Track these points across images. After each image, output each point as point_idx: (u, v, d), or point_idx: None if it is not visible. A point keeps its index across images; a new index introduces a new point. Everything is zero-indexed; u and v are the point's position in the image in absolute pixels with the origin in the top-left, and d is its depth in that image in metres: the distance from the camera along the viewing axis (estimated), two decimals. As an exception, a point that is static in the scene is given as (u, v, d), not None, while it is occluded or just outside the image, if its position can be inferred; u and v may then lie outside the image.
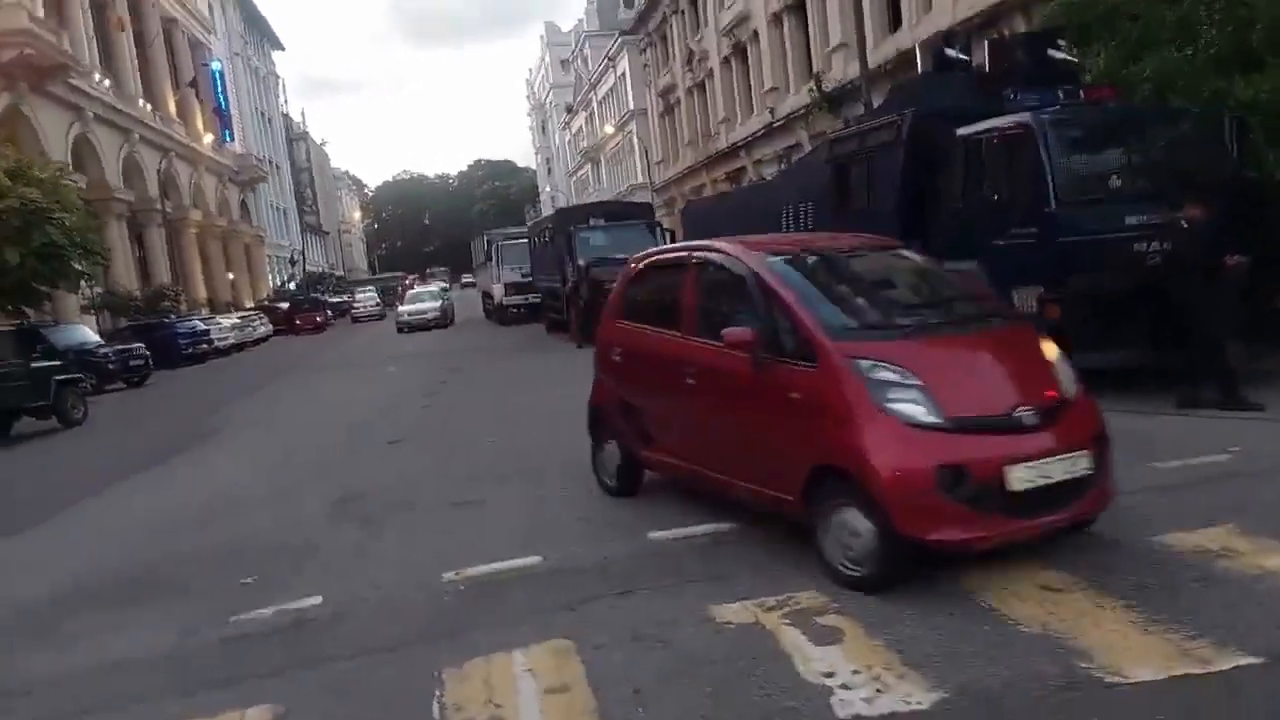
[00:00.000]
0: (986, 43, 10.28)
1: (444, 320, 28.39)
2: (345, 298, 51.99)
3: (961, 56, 10.02)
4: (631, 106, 48.38)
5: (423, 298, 31.31)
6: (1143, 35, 9.42)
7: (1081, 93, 8.63)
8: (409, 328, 28.10)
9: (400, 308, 30.47)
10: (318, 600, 4.67)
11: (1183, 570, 3.93)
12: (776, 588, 4.12)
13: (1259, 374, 7.47)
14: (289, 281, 57.08)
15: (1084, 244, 7.59)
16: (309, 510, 6.65)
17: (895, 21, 20.61)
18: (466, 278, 68.46)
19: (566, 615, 4.08)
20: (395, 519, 6.12)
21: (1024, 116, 8.02)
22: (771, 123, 27.19)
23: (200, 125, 43.29)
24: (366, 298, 46.10)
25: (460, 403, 11.61)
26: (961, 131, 8.70)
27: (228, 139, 47.10)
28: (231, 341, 28.84)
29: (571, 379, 13.49)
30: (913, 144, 9.24)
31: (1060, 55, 9.11)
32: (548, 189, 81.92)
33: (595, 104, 59.94)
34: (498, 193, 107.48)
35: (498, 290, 27.10)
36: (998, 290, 8.01)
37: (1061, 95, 8.54)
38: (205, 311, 36.01)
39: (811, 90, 23.05)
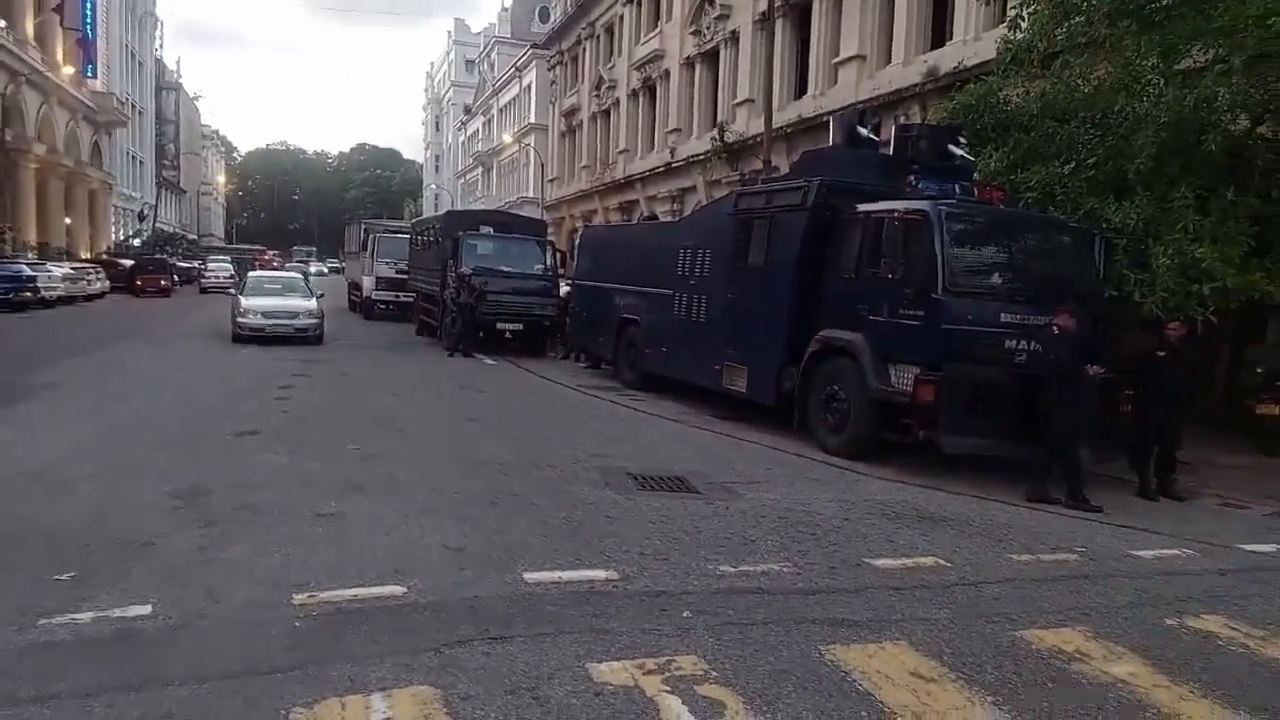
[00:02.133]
0: (894, 127, 10.77)
1: (315, 332, 17.10)
2: (196, 264, 48.72)
3: (871, 136, 10.43)
4: (533, 120, 48.06)
5: (284, 289, 18.61)
6: (1032, 146, 10.14)
7: (975, 190, 9.14)
8: (250, 339, 16.68)
9: (243, 300, 17.37)
10: (147, 610, 4.16)
11: (1042, 668, 4.09)
12: (657, 647, 3.99)
13: (1102, 478, 8.08)
14: (134, 237, 53.11)
15: (963, 333, 8.00)
16: (143, 500, 6.02)
17: (802, 87, 21.47)
18: (332, 262, 65.89)
19: (432, 658, 3.79)
20: (243, 523, 5.60)
21: (924, 204, 8.42)
22: (670, 162, 27.64)
23: (60, 55, 39.80)
24: (219, 268, 43.28)
25: (320, 399, 10.95)
26: (863, 207, 9.07)
27: (89, 74, 43.50)
28: (60, 293, 26.29)
29: (441, 386, 13.36)
30: (816, 211, 9.53)
31: (959, 151, 9.62)
32: (433, 186, 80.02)
33: (496, 110, 59.17)
34: (378, 181, 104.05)
35: (368, 283, 26.04)
36: (877, 364, 8.43)
37: (958, 190, 9.02)
38: (33, 256, 32.83)
39: (714, 138, 23.61)
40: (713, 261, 11.29)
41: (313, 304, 17.66)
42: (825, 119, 17.43)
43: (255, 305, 17.24)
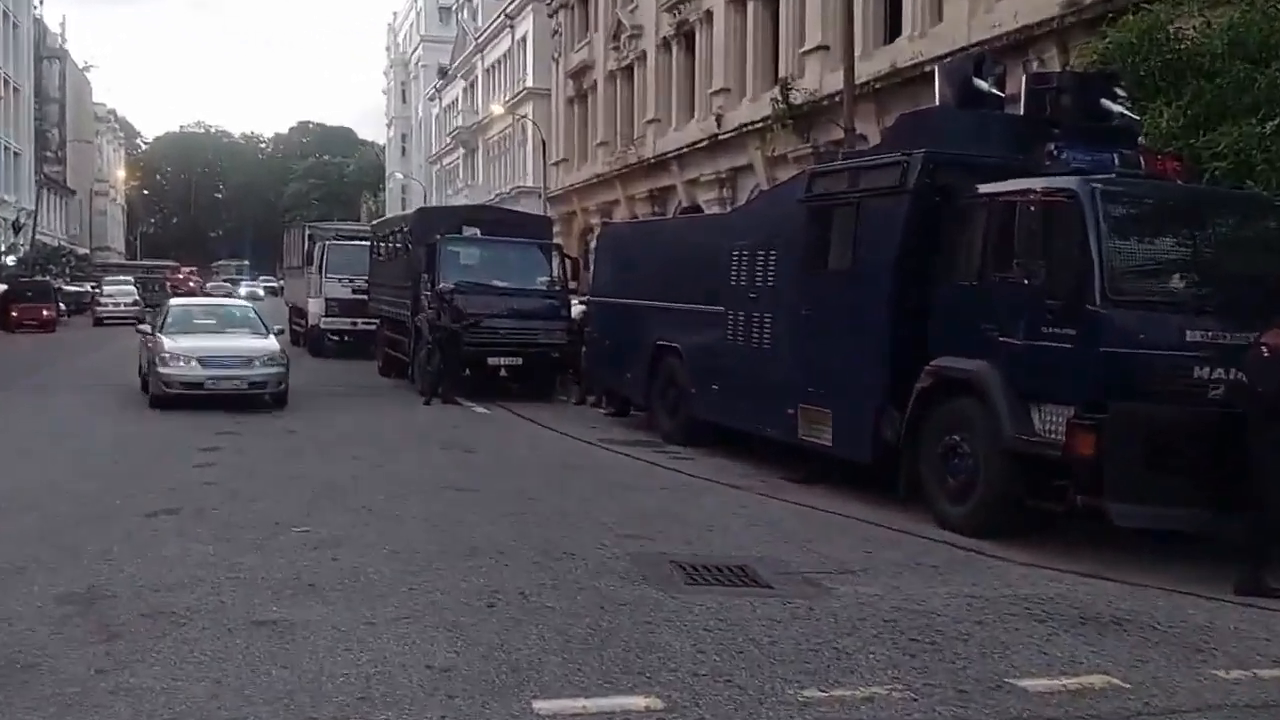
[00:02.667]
0: (1025, 77, 10.73)
1: (278, 386, 15.81)
2: (89, 288, 49.90)
3: (993, 90, 10.40)
4: (530, 83, 48.79)
5: (225, 324, 17.40)
6: (1218, 98, 10.04)
7: (1142, 160, 9.05)
8: (180, 400, 15.20)
9: (166, 342, 15.66)
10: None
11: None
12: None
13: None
14: (7, 254, 54.37)
15: (1133, 359, 7.88)
16: (24, 608, 6.06)
17: (894, 27, 21.54)
18: (269, 280, 66.93)
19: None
20: (157, 637, 5.61)
21: (1070, 181, 8.36)
22: (717, 134, 27.82)
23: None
24: (120, 291, 44.37)
25: (255, 465, 11.06)
26: (986, 188, 9.05)
27: (-53, 40, 45.01)
28: (-94, 330, 27.03)
29: (417, 444, 13.43)
30: (921, 195, 9.50)
31: (1118, 108, 9.56)
32: (399, 175, 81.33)
33: (480, 72, 60.24)
34: (327, 170, 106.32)
35: (315, 307, 26.49)
36: (1013, 405, 8.32)
37: (1117, 160, 8.94)
38: None
39: (775, 100, 23.71)
40: (779, 266, 11.33)
41: (271, 344, 16.32)
42: (928, 69, 17.36)
43: (187, 348, 15.47)
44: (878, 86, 20.21)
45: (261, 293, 57.81)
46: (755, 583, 7.10)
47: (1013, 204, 8.58)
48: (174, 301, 20.11)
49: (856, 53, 18.62)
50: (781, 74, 24.65)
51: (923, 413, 9.19)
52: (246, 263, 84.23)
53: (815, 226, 10.69)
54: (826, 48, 22.71)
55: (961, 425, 8.88)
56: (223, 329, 17.02)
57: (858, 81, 18.36)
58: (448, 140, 68.11)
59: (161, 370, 15.35)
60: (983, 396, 8.60)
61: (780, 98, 23.39)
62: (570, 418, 16.00)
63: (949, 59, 14.10)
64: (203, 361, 15.36)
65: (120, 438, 12.98)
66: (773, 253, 11.46)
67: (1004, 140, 9.75)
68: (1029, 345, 8.34)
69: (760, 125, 24.83)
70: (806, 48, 23.93)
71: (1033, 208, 8.35)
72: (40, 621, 5.86)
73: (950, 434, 8.95)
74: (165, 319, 16.95)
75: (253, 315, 18.00)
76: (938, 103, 11.19)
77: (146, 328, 17.54)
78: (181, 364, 15.34)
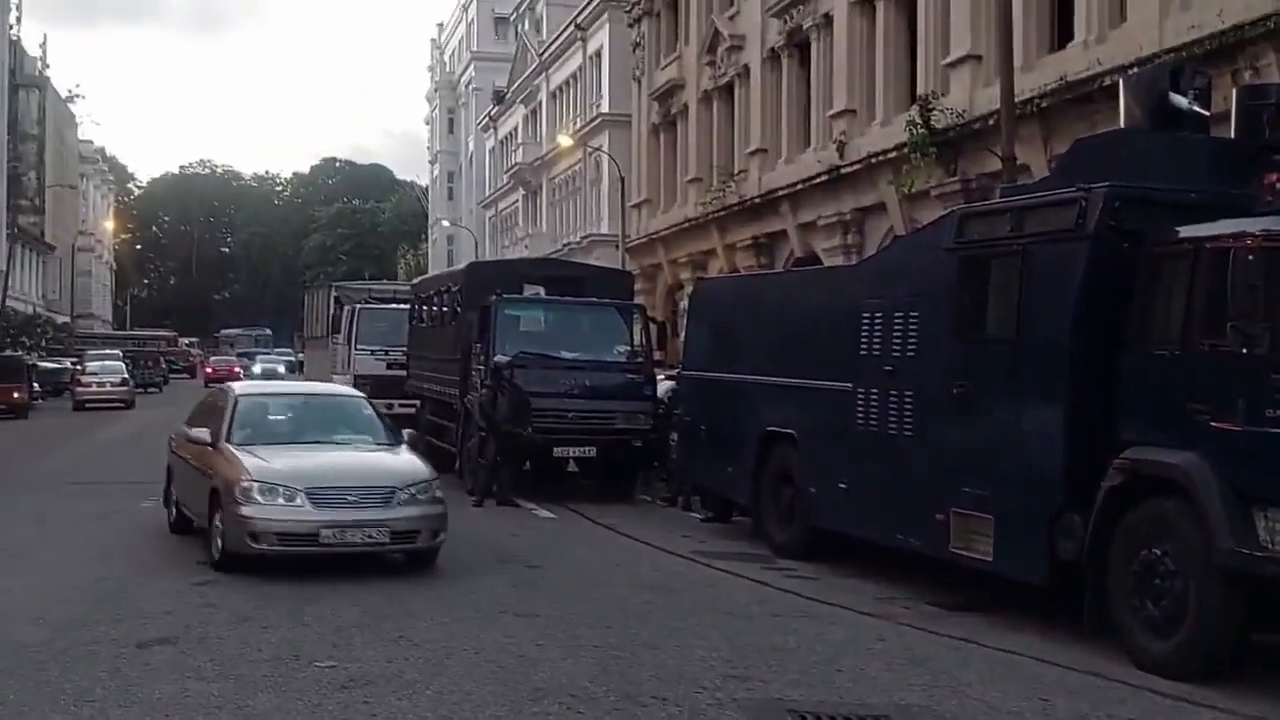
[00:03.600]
0: (1235, 91, 10.62)
1: (432, 541, 12.20)
2: (69, 364, 51.52)
3: (1196, 108, 10.35)
4: (605, 108, 49.58)
5: (325, 424, 13.84)
6: None
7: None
8: (282, 559, 11.75)
9: (247, 461, 12.18)
10: None
11: None
12: None
13: None
14: (-28, 323, 56.29)
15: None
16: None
17: (1064, 31, 21.49)
18: (286, 354, 68.07)
19: None
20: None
21: (1304, 223, 8.27)
22: (838, 166, 27.89)
23: None
24: (105, 369, 45.73)
25: (265, 583, 11.15)
26: (1187, 231, 9.00)
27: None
28: None
29: (468, 557, 13.36)
30: (1104, 240, 9.49)
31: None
32: (445, 222, 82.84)
33: (544, 95, 61.46)
34: (357, 217, 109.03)
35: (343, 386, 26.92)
36: (1231, 509, 8.13)
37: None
38: None
39: (913, 123, 23.75)
40: (922, 331, 11.32)
41: (412, 463, 12.95)
42: (1109, 82, 17.32)
43: (283, 473, 11.82)
44: (1043, 105, 20.11)
45: (283, 369, 58.54)
46: (899, 739, 7.00)
47: (1225, 251, 8.51)
48: (239, 389, 14.91)
49: (1016, 63, 18.58)
50: (920, 91, 24.67)
51: (1112, 519, 9.05)
52: (269, 331, 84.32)
53: (968, 281, 10.68)
54: (978, 58, 22.73)
55: (1163, 535, 8.72)
56: (326, 435, 13.37)
57: (1018, 99, 18.32)
58: (504, 179, 69.34)
59: (243, 512, 11.44)
60: (1191, 498, 8.46)
61: (919, 120, 23.41)
62: (657, 524, 15.96)
63: (1136, 70, 14.06)
64: (314, 497, 11.57)
65: (105, 549, 13.20)
66: (913, 314, 11.42)
67: (1210, 170, 9.73)
68: (1250, 432, 8.19)
69: (894, 155, 24.84)
70: (952, 58, 23.95)
71: (1251, 255, 8.28)
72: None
73: (1148, 547, 8.81)
74: (230, 418, 12.95)
75: (365, 409, 14.27)
76: (1123, 124, 11.15)
77: (204, 434, 12.84)
78: (280, 501, 11.48)
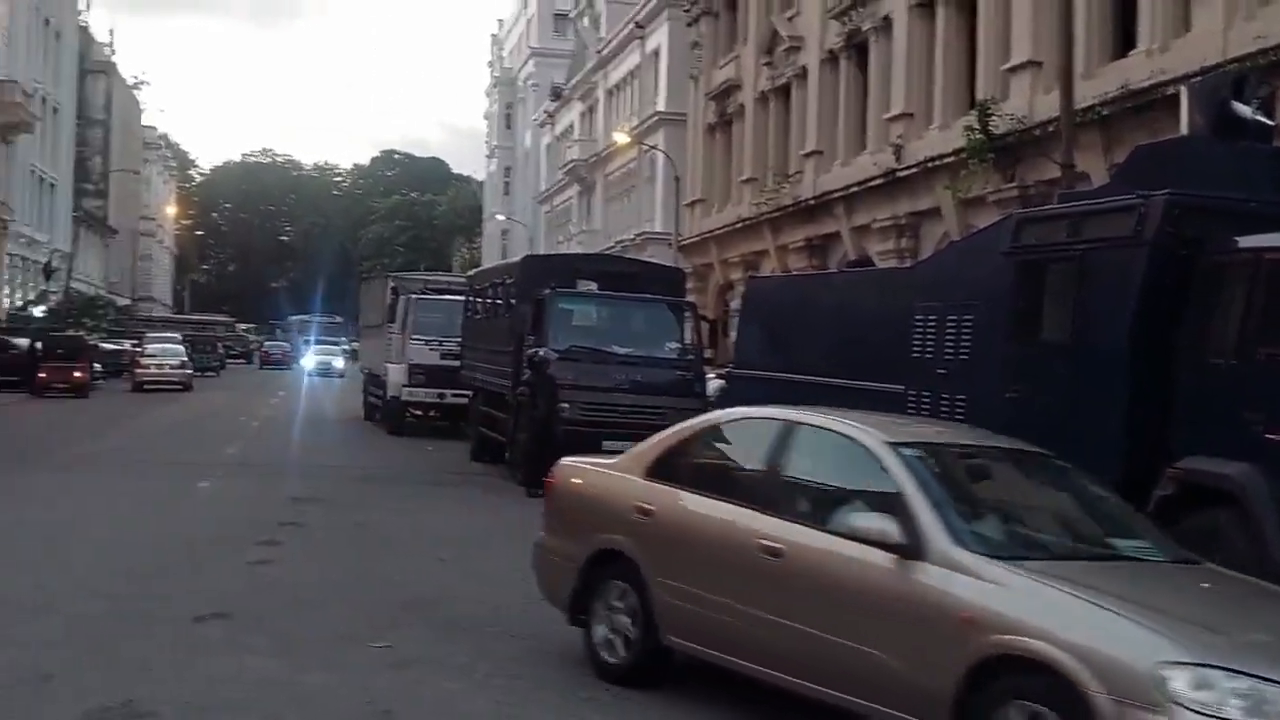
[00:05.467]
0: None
1: None
2: (129, 345, 52.19)
3: (1259, 117, 10.28)
4: (662, 107, 49.68)
5: None
6: None
7: None
8: None
9: None
10: None
11: None
12: None
13: None
14: (37, 303, 57.03)
15: None
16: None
17: (1126, 38, 21.30)
18: (337, 343, 67.24)
19: None
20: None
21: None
22: (894, 170, 27.79)
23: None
24: (165, 351, 46.29)
25: (320, 564, 11.35)
26: (1249, 242, 8.92)
27: (-18, 53, 47.77)
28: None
29: (515, 547, 13.14)
30: (1163, 248, 9.40)
31: None
32: (499, 217, 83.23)
33: (602, 92, 61.64)
34: (415, 209, 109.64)
35: (395, 375, 27.14)
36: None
37: None
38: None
39: (971, 128, 23.63)
40: (976, 335, 11.28)
41: None
42: (1172, 90, 17.18)
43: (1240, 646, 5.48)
44: (1104, 112, 19.96)
45: (339, 363, 57.97)
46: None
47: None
48: (877, 431, 7.14)
49: (1077, 70, 18.47)
50: (979, 96, 24.57)
51: (1165, 528, 8.94)
52: (339, 318, 78.30)
53: (1024, 286, 10.63)
54: (1038, 64, 22.57)
55: (1216, 546, 8.50)
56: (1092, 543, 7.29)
57: (1078, 105, 18.21)
58: (560, 175, 69.63)
59: None
60: (1245, 510, 8.37)
61: (977, 126, 23.30)
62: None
63: (1199, 78, 13.92)
64: None
65: (162, 527, 13.41)
66: (967, 318, 11.39)
67: (1271, 180, 9.65)
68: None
69: (951, 160, 24.76)
70: (1012, 64, 23.84)
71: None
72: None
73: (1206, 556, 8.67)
74: (929, 496, 6.42)
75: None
76: (1185, 132, 11.08)
77: (879, 527, 6.18)
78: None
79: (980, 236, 13.22)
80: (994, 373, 10.86)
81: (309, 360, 60.59)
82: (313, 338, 70.40)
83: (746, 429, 8.04)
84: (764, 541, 6.63)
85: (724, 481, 7.60)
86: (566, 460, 8.83)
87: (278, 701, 6.91)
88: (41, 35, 60.27)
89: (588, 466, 8.86)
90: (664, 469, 7.77)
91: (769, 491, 7.06)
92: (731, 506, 7.10)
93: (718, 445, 8.20)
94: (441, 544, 12.98)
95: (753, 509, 6.91)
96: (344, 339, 69.23)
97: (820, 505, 6.96)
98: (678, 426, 8.46)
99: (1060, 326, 10.24)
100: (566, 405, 17.34)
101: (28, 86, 54.02)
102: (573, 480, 8.61)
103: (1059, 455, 7.94)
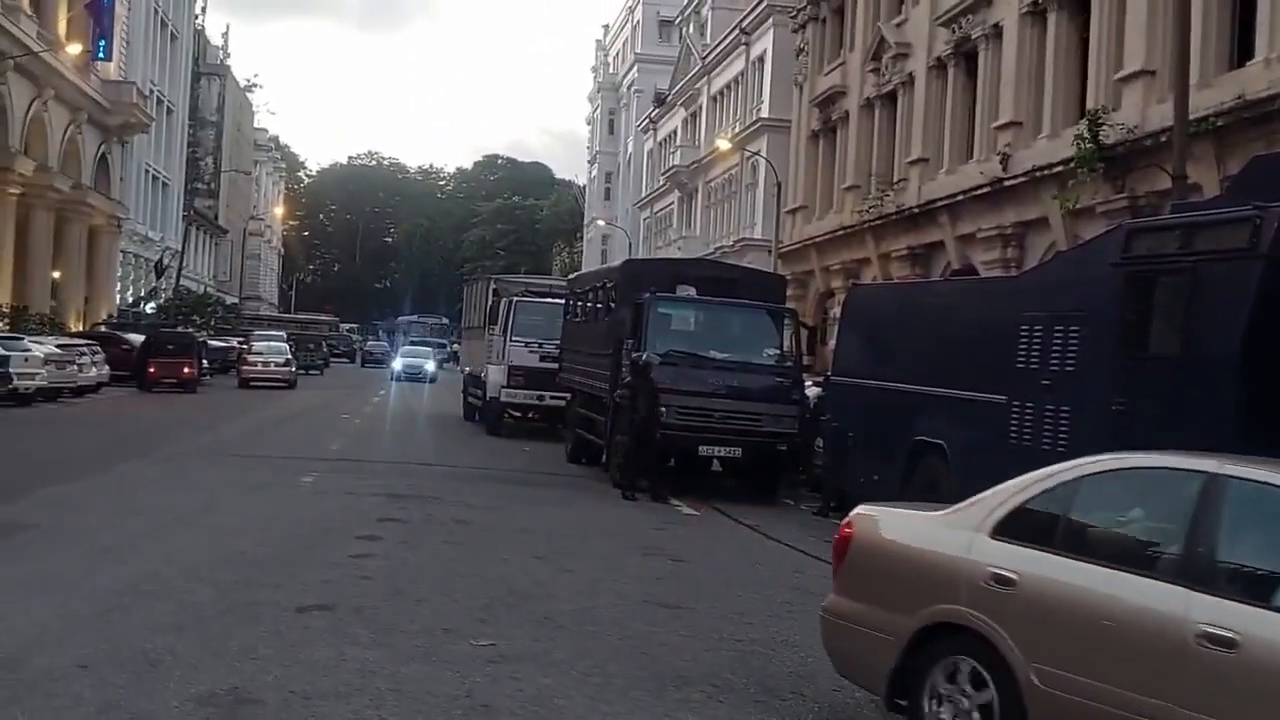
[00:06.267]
0: None
1: None
2: (236, 342, 53.37)
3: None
4: (765, 113, 49.59)
5: None
6: None
7: None
8: None
9: None
10: None
11: None
12: None
13: None
14: (148, 300, 58.52)
15: None
16: (160, 705, 6.48)
17: (1244, 49, 20.85)
18: (435, 344, 67.68)
19: None
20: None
21: None
22: (1001, 179, 27.47)
23: (62, 29, 44.68)
24: (270, 349, 47.12)
25: (422, 559, 11.49)
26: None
27: (100, 55, 48.85)
28: (41, 384, 29.41)
29: (611, 547, 13.54)
30: (1278, 261, 9.22)
31: None
32: (600, 222, 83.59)
33: (705, 99, 61.63)
34: (517, 213, 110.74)
35: (495, 376, 27.41)
36: None
37: None
38: (4, 327, 36.68)
39: (1081, 138, 23.29)
40: (1082, 346, 11.20)
41: None
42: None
43: None
44: (1219, 123, 19.54)
45: (431, 367, 55.80)
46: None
47: None
48: None
49: (1192, 80, 18.09)
50: (1090, 105, 24.18)
51: None
52: (445, 320, 78.45)
53: (1133, 297, 10.54)
54: (1151, 73, 22.21)
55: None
56: None
57: (1192, 116, 17.84)
58: (661, 181, 69.84)
59: None
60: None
61: (1088, 135, 22.97)
62: (798, 527, 15.89)
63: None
64: None
65: (267, 519, 13.69)
66: (1074, 329, 11.31)
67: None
68: None
69: (1060, 169, 24.44)
70: (1124, 73, 23.44)
71: None
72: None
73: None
74: None
75: None
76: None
77: None
78: None
79: (1089, 246, 13.07)
80: (1100, 384, 10.77)
81: (397, 363, 59.13)
82: (406, 338, 70.75)
83: (1143, 481, 6.27)
84: (1206, 628, 5.05)
85: (1122, 548, 5.96)
86: (865, 508, 7.27)
87: (378, 691, 7.02)
88: (158, 38, 61.82)
89: (901, 517, 7.29)
90: (1021, 528, 6.27)
91: (1199, 563, 5.40)
92: (1145, 581, 5.51)
93: (1103, 500, 6.39)
94: (539, 541, 13.10)
95: (1176, 584, 5.34)
96: (447, 340, 69.87)
97: None
98: (1033, 475, 6.65)
99: (1170, 338, 10.15)
100: (664, 409, 17.42)
101: (144, 88, 55.45)
102: (884, 535, 6.98)
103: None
